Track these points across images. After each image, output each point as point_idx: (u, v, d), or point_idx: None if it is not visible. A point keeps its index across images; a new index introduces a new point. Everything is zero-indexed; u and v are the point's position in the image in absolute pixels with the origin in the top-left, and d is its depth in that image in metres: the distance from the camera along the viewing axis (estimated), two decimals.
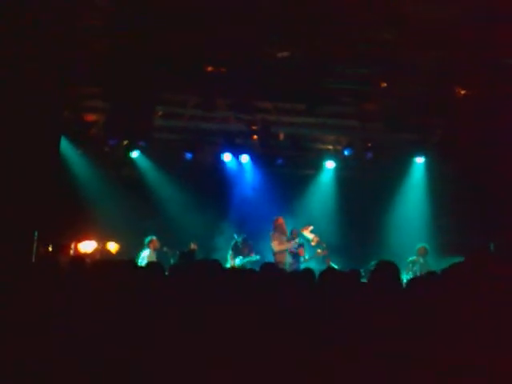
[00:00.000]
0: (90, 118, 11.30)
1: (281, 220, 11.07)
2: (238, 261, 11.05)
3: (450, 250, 9.99)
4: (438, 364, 2.78)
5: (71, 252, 10.47)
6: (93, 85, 10.40)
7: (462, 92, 10.11)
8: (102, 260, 9.86)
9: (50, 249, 10.17)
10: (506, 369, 2.76)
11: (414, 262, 10.61)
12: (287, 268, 10.17)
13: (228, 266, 11.12)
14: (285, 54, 9.17)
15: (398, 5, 7.63)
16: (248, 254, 11.17)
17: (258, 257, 11.02)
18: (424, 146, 11.73)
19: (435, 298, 3.18)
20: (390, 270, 3.59)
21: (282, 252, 10.71)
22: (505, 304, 2.77)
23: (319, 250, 10.78)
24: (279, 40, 8.92)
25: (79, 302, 3.71)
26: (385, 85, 10.21)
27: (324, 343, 3.11)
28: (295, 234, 10.98)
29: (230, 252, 11.30)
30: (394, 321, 3.11)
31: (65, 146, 10.96)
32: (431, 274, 4.02)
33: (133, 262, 5.00)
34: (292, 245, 10.78)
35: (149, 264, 4.79)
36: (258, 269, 4.67)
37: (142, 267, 5.34)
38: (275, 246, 10.73)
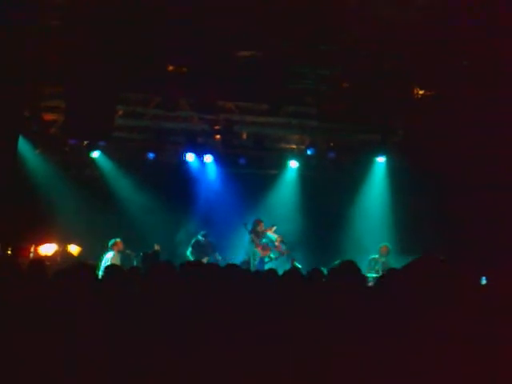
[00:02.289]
0: (50, 117, 11.10)
1: (262, 225, 11.13)
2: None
3: (409, 248, 10.17)
4: (397, 360, 2.85)
5: (31, 255, 10.25)
6: (53, 84, 10.22)
7: (421, 92, 10.33)
8: (62, 263, 9.72)
9: (9, 252, 9.94)
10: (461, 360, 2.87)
11: (376, 261, 10.78)
12: (252, 268, 10.22)
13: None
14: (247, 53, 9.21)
15: (358, 7, 7.73)
16: (212, 254, 11.17)
17: (220, 257, 11.04)
18: (385, 146, 11.91)
19: (391, 295, 3.26)
20: (349, 269, 3.65)
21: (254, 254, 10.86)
22: (453, 299, 2.88)
23: (283, 250, 10.88)
24: (241, 40, 8.93)
25: (38, 305, 3.65)
26: (346, 85, 10.33)
27: (284, 342, 3.14)
28: (261, 233, 11.09)
29: (190, 249, 11.30)
30: (352, 319, 3.16)
31: (23, 145, 10.73)
32: (390, 271, 4.11)
33: (93, 266, 4.93)
34: (269, 252, 10.93)
35: (109, 267, 4.72)
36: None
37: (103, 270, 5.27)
38: (260, 251, 10.81)
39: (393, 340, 2.90)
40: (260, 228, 11.09)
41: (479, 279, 4.40)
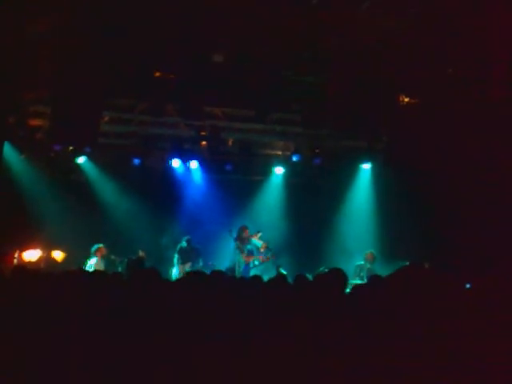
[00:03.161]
0: (35, 122, 11.02)
1: (247, 231, 11.15)
2: (187, 268, 11.00)
3: (395, 255, 10.22)
4: (374, 368, 2.87)
5: (15, 261, 10.15)
6: (39, 89, 10.16)
7: (406, 100, 10.42)
8: (46, 269, 9.63)
9: None
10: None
11: (361, 267, 10.81)
12: (237, 275, 10.21)
13: (175, 270, 11.11)
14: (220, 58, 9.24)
15: (343, 14, 7.79)
16: (196, 259, 11.15)
17: (201, 263, 11.04)
18: (370, 153, 11.98)
19: (377, 301, 3.28)
20: (336, 276, 3.66)
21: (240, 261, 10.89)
22: (435, 309, 2.90)
23: (268, 256, 10.90)
24: (228, 47, 8.96)
25: (21, 312, 3.62)
26: (332, 92, 10.39)
27: (269, 349, 3.14)
28: (246, 239, 11.10)
29: (177, 256, 11.28)
30: (337, 325, 3.17)
31: (9, 150, 10.64)
32: (373, 278, 4.13)
33: (80, 270, 4.91)
34: (254, 258, 10.96)
35: (94, 273, 4.70)
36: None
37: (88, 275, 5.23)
38: (244, 257, 10.85)
39: (379, 346, 2.92)
40: (245, 234, 11.10)
41: (465, 286, 4.43)
